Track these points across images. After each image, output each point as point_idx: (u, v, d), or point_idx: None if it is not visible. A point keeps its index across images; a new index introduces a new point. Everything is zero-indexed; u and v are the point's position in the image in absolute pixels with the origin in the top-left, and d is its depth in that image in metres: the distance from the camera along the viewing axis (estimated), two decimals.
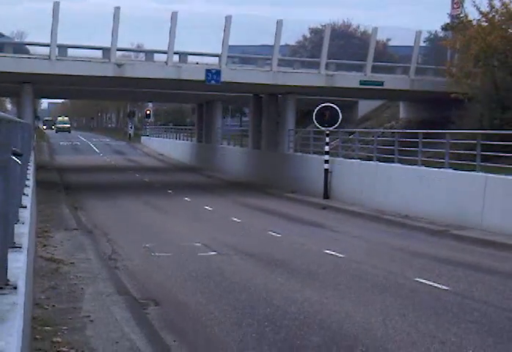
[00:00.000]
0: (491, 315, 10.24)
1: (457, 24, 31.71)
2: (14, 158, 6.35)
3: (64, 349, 8.16)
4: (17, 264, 5.20)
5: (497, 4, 29.01)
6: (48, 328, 8.99)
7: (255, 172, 36.06)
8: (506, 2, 28.90)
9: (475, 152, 19.53)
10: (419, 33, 32.60)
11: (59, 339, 8.52)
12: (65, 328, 9.10)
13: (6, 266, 4.63)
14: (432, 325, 9.57)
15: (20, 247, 5.99)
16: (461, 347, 8.62)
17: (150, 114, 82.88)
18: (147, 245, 16.35)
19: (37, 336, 8.49)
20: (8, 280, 4.58)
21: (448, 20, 34.59)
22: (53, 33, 26.38)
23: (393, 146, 24.08)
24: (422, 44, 36.16)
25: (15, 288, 4.52)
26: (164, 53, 28.89)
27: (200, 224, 20.64)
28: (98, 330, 9.20)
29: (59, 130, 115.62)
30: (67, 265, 13.34)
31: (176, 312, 10.54)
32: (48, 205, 22.55)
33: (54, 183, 32.30)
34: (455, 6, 33.46)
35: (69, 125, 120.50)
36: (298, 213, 23.86)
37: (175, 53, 28.98)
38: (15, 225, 6.78)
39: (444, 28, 36.40)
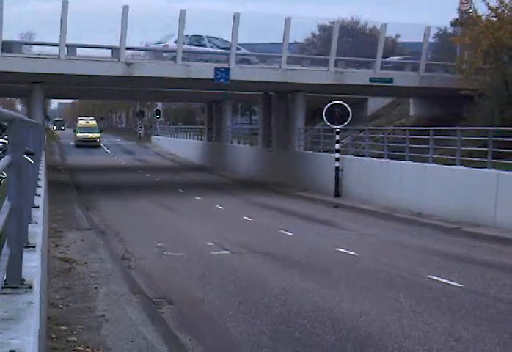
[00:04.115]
0: (504, 312, 10.21)
1: (466, 20, 31.54)
2: (26, 157, 6.34)
3: (79, 348, 8.16)
4: (32, 264, 5.16)
5: None
6: (64, 327, 9.00)
7: (266, 171, 36.02)
8: None
9: (487, 149, 19.44)
10: (428, 29, 32.42)
11: (74, 339, 8.53)
12: (80, 327, 9.11)
13: (21, 266, 4.62)
14: (446, 323, 9.54)
15: (34, 247, 5.94)
16: (476, 344, 8.60)
17: (159, 113, 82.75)
18: (160, 244, 16.33)
19: (53, 336, 8.50)
20: (23, 280, 4.56)
21: (457, 16, 34.44)
22: (62, 32, 26.37)
23: (404, 143, 24.02)
24: (431, 40, 35.95)
25: (30, 288, 4.50)
26: (173, 51, 28.88)
27: (212, 223, 20.61)
28: (113, 329, 9.21)
29: (81, 142, 70.15)
30: (81, 265, 13.37)
31: (190, 311, 10.52)
32: (59, 206, 22.54)
33: (65, 184, 32.35)
34: (463, 1, 33.25)
35: (98, 135, 72.63)
36: (310, 211, 23.82)
37: (184, 51, 28.93)
38: (29, 225, 6.76)
39: (453, 23, 36.24)
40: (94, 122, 74.94)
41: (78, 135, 71.71)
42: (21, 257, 4.65)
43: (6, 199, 4.84)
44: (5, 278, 4.34)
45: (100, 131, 74.70)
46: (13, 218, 4.70)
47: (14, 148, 5.02)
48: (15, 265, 4.52)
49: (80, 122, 74.73)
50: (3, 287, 4.18)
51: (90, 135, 70.88)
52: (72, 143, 73.40)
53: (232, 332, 9.28)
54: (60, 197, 24.86)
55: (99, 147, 69.47)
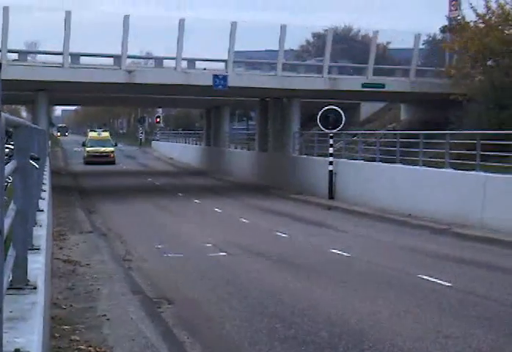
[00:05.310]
0: (492, 310, 10.43)
1: (455, 26, 32.06)
2: (32, 162, 6.52)
3: (82, 347, 8.30)
4: (36, 265, 5.35)
5: (493, 5, 29.40)
6: (66, 326, 9.15)
7: (262, 174, 36.44)
8: (502, 3, 29.24)
9: (475, 152, 19.75)
10: (418, 36, 32.93)
11: (77, 338, 8.68)
12: (83, 326, 9.26)
13: (26, 267, 4.82)
14: (436, 320, 9.74)
15: (38, 249, 6.15)
16: (465, 341, 8.77)
17: (160, 119, 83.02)
18: (160, 246, 16.65)
19: (56, 335, 8.64)
20: (28, 280, 4.75)
21: (446, 23, 34.99)
22: (66, 41, 26.92)
23: (395, 147, 24.46)
24: (421, 46, 36.46)
25: (35, 288, 4.68)
26: (173, 59, 29.37)
27: (210, 226, 20.92)
28: (115, 328, 9.37)
29: (92, 158, 56.19)
30: (84, 267, 13.59)
31: (188, 310, 10.78)
32: (63, 209, 22.87)
33: (69, 188, 32.61)
34: (452, 8, 33.78)
35: (112, 149, 58.27)
36: (304, 213, 24.17)
37: (183, 59, 29.40)
38: (33, 228, 6.94)
39: (443, 30, 36.81)
40: (107, 134, 60.88)
41: (88, 149, 57.09)
42: (26, 258, 4.85)
43: (12, 203, 5.06)
44: (11, 279, 4.58)
45: (115, 145, 60.47)
46: (19, 221, 4.91)
47: (20, 153, 5.27)
48: (20, 267, 4.74)
49: (90, 133, 61.16)
50: (9, 288, 4.38)
51: (102, 149, 57.18)
52: (76, 149, 68.88)
53: (229, 330, 9.51)
54: (64, 201, 25.14)
55: (113, 163, 56.03)
